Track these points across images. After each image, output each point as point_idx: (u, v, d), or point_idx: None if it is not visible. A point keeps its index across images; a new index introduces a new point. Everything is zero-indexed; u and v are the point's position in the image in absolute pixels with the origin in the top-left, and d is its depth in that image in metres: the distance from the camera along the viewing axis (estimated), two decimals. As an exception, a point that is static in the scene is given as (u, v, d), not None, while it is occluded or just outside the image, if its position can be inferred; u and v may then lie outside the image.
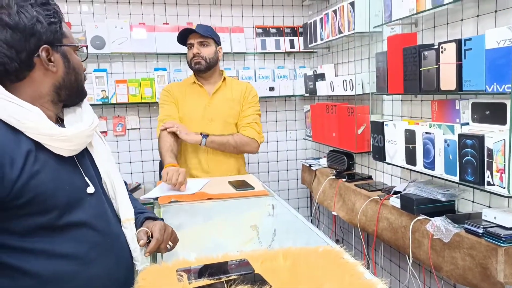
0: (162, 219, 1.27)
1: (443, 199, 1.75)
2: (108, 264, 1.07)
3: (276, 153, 3.61)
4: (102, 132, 3.13)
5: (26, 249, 0.96)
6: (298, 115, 3.63)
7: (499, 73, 1.45)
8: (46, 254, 0.97)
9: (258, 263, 1.07)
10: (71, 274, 1.00)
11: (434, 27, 1.97)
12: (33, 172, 0.94)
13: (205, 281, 0.98)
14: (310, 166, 3.08)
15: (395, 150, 2.06)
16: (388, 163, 2.16)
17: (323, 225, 3.51)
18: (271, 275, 0.99)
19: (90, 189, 1.07)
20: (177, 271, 1.03)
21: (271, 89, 3.35)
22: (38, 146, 0.97)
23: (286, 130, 3.62)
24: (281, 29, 3.45)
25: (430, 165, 1.82)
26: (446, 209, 1.78)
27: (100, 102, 3.03)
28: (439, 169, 1.77)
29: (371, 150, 2.31)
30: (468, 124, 1.69)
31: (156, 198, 1.85)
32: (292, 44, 3.45)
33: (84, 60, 1.16)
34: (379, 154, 2.20)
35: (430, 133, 1.80)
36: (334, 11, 2.63)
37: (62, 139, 0.99)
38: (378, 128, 2.19)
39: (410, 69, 1.89)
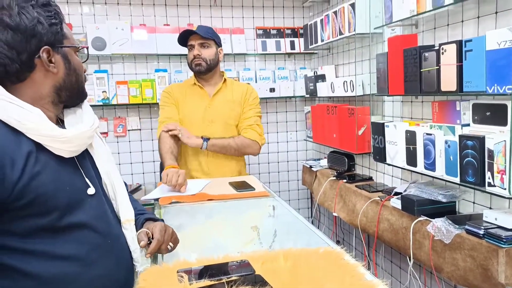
0: (162, 220, 1.27)
1: (444, 200, 1.75)
2: (109, 265, 1.07)
3: (276, 154, 3.61)
4: (102, 133, 3.13)
5: (27, 250, 0.96)
6: (299, 116, 3.63)
7: (500, 74, 1.45)
8: (47, 256, 0.97)
9: (259, 264, 1.07)
10: (72, 275, 1.00)
11: (435, 28, 1.97)
12: (34, 173, 0.94)
13: (205, 282, 0.98)
14: (311, 167, 3.08)
15: (395, 151, 2.06)
16: (389, 164, 2.16)
17: (324, 226, 3.51)
18: (271, 276, 0.99)
19: (91, 190, 1.06)
20: (177, 272, 1.03)
21: (272, 90, 3.35)
22: (39, 147, 0.97)
23: (287, 131, 3.62)
24: (282, 30, 3.45)
25: (431, 166, 1.82)
26: (447, 210, 1.77)
27: (101, 103, 3.03)
28: (440, 170, 1.77)
29: (372, 151, 2.31)
30: (468, 125, 1.69)
31: (157, 199, 1.85)
32: (292, 45, 3.45)
33: (85, 61, 1.16)
34: (380, 155, 2.20)
35: (430, 134, 1.80)
36: (335, 13, 2.63)
37: (63, 140, 0.99)
38: (378, 129, 2.19)
39: (410, 70, 1.89)
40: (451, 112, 1.78)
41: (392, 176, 2.40)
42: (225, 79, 2.36)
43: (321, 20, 2.85)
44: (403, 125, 2.02)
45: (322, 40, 2.88)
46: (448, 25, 1.89)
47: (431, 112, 1.90)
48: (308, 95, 3.29)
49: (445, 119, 1.81)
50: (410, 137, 1.93)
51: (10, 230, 0.94)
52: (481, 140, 1.52)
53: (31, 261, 0.96)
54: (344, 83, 2.62)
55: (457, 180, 1.67)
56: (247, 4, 3.40)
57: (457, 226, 1.61)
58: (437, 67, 1.72)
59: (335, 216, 2.62)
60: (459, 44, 1.61)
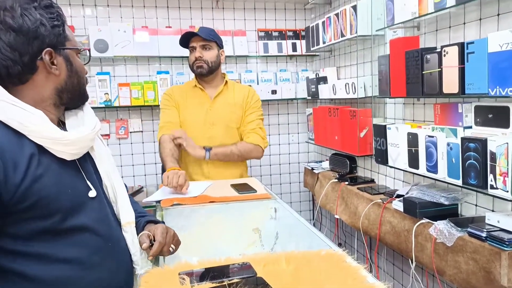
0: (163, 223, 1.27)
1: (446, 203, 1.74)
2: (110, 268, 1.07)
3: (278, 156, 3.61)
4: (104, 135, 3.14)
5: (28, 253, 0.95)
6: (301, 118, 3.63)
7: (502, 77, 1.45)
8: (48, 259, 0.97)
9: (261, 266, 1.06)
10: (73, 279, 1.00)
11: (437, 30, 1.97)
12: (36, 176, 0.94)
13: (207, 284, 0.98)
14: (313, 169, 3.08)
15: (397, 153, 2.06)
16: (391, 167, 2.16)
17: (326, 229, 3.50)
18: (273, 278, 0.99)
19: (92, 193, 1.06)
20: (179, 274, 1.03)
21: (274, 92, 3.35)
22: (41, 149, 0.97)
23: (289, 133, 3.62)
24: (284, 32, 3.45)
25: (433, 168, 1.81)
26: (449, 212, 1.77)
27: (103, 105, 3.04)
28: (442, 173, 1.77)
29: (374, 153, 2.30)
30: (471, 127, 1.69)
31: (159, 201, 1.85)
32: (294, 48, 3.46)
33: (86, 63, 1.16)
34: (382, 157, 2.19)
35: (432, 137, 1.80)
36: (336, 15, 2.63)
37: (65, 143, 0.99)
38: (380, 131, 2.19)
39: (412, 73, 1.89)
40: (453, 114, 1.77)
41: (394, 178, 2.40)
42: (226, 81, 2.35)
43: (323, 22, 2.85)
44: (405, 127, 2.02)
45: (324, 42, 2.88)
46: (450, 27, 1.89)
47: (433, 114, 1.90)
48: (309, 97, 3.29)
49: (447, 121, 1.81)
50: (412, 139, 1.93)
51: (13, 233, 0.94)
52: (483, 142, 1.52)
53: (32, 264, 0.96)
54: (346, 85, 2.61)
55: (459, 182, 1.67)
56: (249, 6, 3.41)
57: (459, 228, 1.61)
58: (439, 69, 1.72)
59: (337, 218, 2.61)
60: (461, 46, 1.61)
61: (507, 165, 1.43)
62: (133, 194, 2.80)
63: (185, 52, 2.37)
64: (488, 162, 1.51)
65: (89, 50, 1.22)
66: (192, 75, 2.38)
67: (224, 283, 0.97)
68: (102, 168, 1.13)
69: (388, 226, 2.02)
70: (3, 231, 0.93)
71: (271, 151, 3.57)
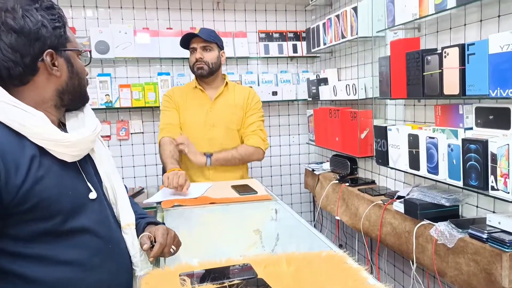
0: (163, 224, 1.27)
1: (447, 204, 1.74)
2: (110, 270, 1.07)
3: (279, 158, 3.61)
4: (105, 136, 3.14)
5: (29, 255, 0.95)
6: (301, 119, 3.63)
7: (503, 78, 1.45)
8: (49, 261, 0.97)
9: (261, 267, 1.06)
10: (73, 280, 1.00)
11: (437, 31, 1.97)
12: (37, 178, 0.93)
13: (207, 285, 0.98)
14: (313, 170, 3.08)
15: (398, 154, 2.06)
16: (392, 168, 2.16)
17: (326, 230, 3.50)
18: (274, 280, 0.99)
19: (93, 195, 1.06)
20: (180, 275, 1.03)
21: (274, 93, 3.35)
22: (42, 151, 0.97)
23: (289, 135, 3.62)
24: (284, 33, 3.46)
25: (434, 169, 1.81)
26: (450, 214, 1.77)
27: (104, 107, 3.04)
28: (443, 174, 1.77)
29: (374, 154, 2.30)
30: (471, 128, 1.69)
31: (159, 203, 1.85)
32: (295, 49, 3.46)
33: (87, 64, 1.16)
34: (383, 158, 2.19)
35: (433, 138, 1.80)
36: (337, 16, 2.63)
37: (66, 145, 0.99)
38: (381, 133, 2.19)
39: (413, 74, 1.89)
40: (454, 116, 1.77)
41: (395, 179, 2.40)
42: (226, 83, 2.35)
43: (324, 24, 2.86)
44: (405, 128, 2.02)
45: (325, 44, 2.88)
46: (450, 28, 1.89)
47: (434, 116, 1.90)
48: (310, 99, 3.29)
49: (448, 123, 1.81)
50: (413, 141, 1.93)
51: (12, 234, 0.94)
52: (484, 143, 1.52)
53: (33, 266, 0.96)
54: (346, 86, 2.62)
55: (460, 183, 1.67)
56: (250, 7, 3.41)
57: (460, 230, 1.60)
58: (440, 71, 1.72)
59: (338, 219, 2.61)
60: (462, 47, 1.61)
61: (508, 167, 1.43)
62: (134, 195, 2.79)
63: (186, 53, 2.37)
64: (489, 164, 1.51)
65: (90, 51, 1.22)
66: (193, 76, 2.38)
67: (224, 285, 0.97)
68: (102, 170, 1.13)
69: (389, 227, 2.02)
70: (4, 233, 0.93)
71: (271, 153, 3.57)
